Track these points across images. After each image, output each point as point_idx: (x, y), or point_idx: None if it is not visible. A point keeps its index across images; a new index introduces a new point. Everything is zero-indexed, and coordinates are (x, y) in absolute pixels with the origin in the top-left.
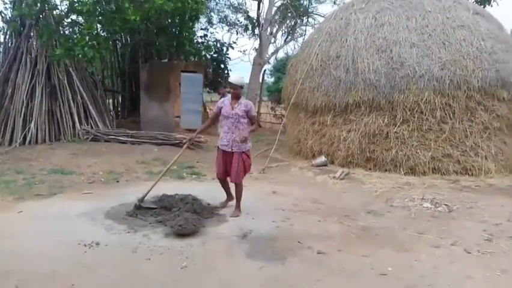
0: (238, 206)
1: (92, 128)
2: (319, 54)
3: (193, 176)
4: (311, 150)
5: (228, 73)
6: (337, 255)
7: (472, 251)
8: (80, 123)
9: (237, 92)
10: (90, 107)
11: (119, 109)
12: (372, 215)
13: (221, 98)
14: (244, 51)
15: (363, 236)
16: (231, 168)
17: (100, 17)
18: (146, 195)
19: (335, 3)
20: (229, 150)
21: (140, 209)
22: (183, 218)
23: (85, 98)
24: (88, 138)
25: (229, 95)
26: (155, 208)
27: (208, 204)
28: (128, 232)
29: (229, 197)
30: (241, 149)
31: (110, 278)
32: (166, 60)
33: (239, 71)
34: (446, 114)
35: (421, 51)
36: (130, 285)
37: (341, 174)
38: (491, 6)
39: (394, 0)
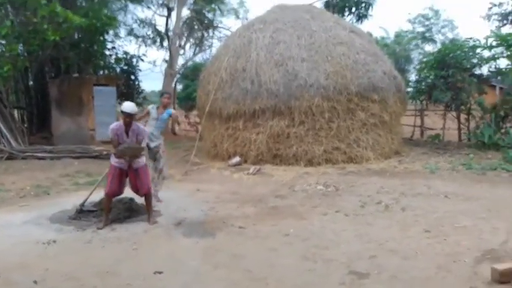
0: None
1: (5, 146)
2: (227, 68)
3: None
4: (227, 152)
5: (139, 84)
6: (253, 227)
7: (350, 214)
8: None
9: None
10: (0, 125)
11: (25, 125)
12: (279, 198)
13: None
14: (154, 61)
15: (272, 213)
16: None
17: (18, 38)
18: (86, 200)
19: (237, 17)
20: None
21: (81, 213)
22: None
23: None
24: (2, 157)
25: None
26: (96, 210)
27: (142, 204)
28: (78, 230)
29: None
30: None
31: (75, 261)
32: (77, 74)
33: (151, 80)
34: (332, 115)
35: (310, 65)
36: (93, 264)
37: (253, 171)
38: (368, 19)
39: (287, 22)
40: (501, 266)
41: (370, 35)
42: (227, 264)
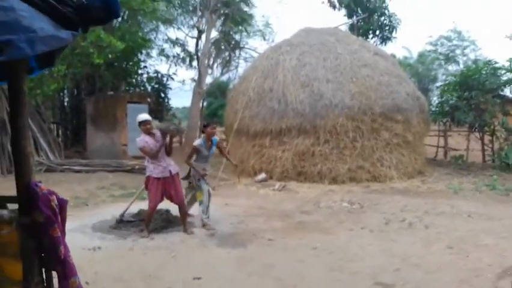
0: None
1: (44, 159)
2: (255, 88)
3: None
4: (253, 169)
5: (168, 102)
6: (281, 240)
7: (374, 231)
8: (31, 155)
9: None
10: (40, 139)
11: (60, 140)
12: (304, 214)
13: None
14: (183, 80)
15: (299, 227)
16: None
17: (64, 60)
18: (125, 211)
19: (264, 38)
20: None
21: (121, 223)
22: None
23: (34, 130)
24: (41, 169)
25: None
26: (135, 221)
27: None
28: (119, 239)
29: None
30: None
31: (120, 266)
32: (112, 92)
33: (179, 98)
34: (357, 134)
35: (335, 86)
36: (136, 269)
37: (279, 187)
38: (391, 42)
39: (313, 45)
40: None
41: (394, 56)
42: (259, 273)
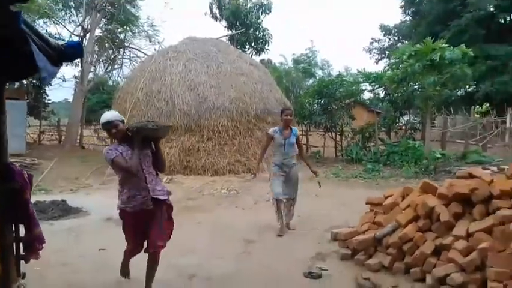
0: None
1: None
2: (144, 89)
3: (42, 191)
4: None
5: (46, 98)
6: None
7: (245, 208)
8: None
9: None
10: None
11: None
12: (190, 200)
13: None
14: (63, 76)
15: (185, 210)
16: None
17: None
18: None
19: (150, 40)
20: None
21: None
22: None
23: None
24: None
25: None
26: None
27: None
28: None
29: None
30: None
31: None
32: None
33: (60, 96)
34: (235, 133)
35: (217, 91)
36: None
37: (166, 180)
38: (265, 52)
39: (197, 53)
40: (336, 230)
41: (270, 61)
42: None
